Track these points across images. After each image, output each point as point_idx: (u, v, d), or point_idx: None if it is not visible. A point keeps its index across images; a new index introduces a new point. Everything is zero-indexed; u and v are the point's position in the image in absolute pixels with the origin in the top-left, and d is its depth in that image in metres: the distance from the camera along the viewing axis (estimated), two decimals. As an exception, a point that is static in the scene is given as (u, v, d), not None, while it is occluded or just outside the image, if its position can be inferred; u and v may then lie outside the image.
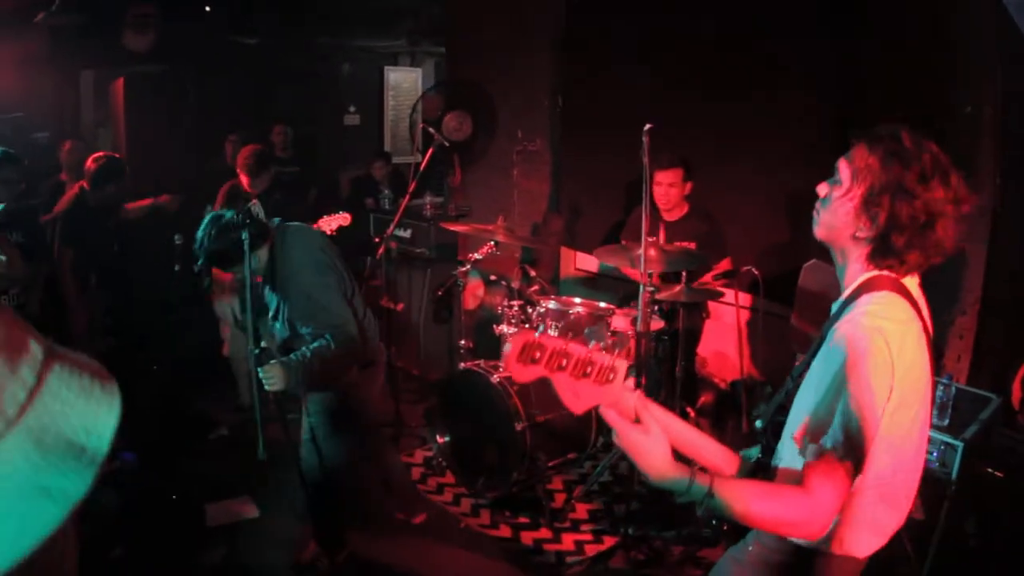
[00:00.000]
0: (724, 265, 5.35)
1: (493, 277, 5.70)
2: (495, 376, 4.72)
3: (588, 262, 7.13)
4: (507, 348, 1.74)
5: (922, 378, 1.95)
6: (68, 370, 0.85)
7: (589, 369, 1.80)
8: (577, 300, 5.12)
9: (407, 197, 5.73)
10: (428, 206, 6.89)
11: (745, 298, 5.35)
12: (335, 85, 11.24)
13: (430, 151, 5.82)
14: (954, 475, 3.37)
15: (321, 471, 3.99)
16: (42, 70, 8.20)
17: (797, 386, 2.06)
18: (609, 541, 4.52)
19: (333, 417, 4.03)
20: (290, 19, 9.38)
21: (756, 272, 4.76)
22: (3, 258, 4.71)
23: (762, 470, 2.09)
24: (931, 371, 2.00)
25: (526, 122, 7.35)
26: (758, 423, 2.21)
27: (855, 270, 2.03)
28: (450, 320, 6.31)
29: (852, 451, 1.81)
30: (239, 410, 5.89)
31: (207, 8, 8.67)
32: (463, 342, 5.71)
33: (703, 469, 1.92)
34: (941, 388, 3.49)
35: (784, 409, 2.09)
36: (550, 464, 4.78)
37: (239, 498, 4.92)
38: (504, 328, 5.12)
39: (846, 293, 2.03)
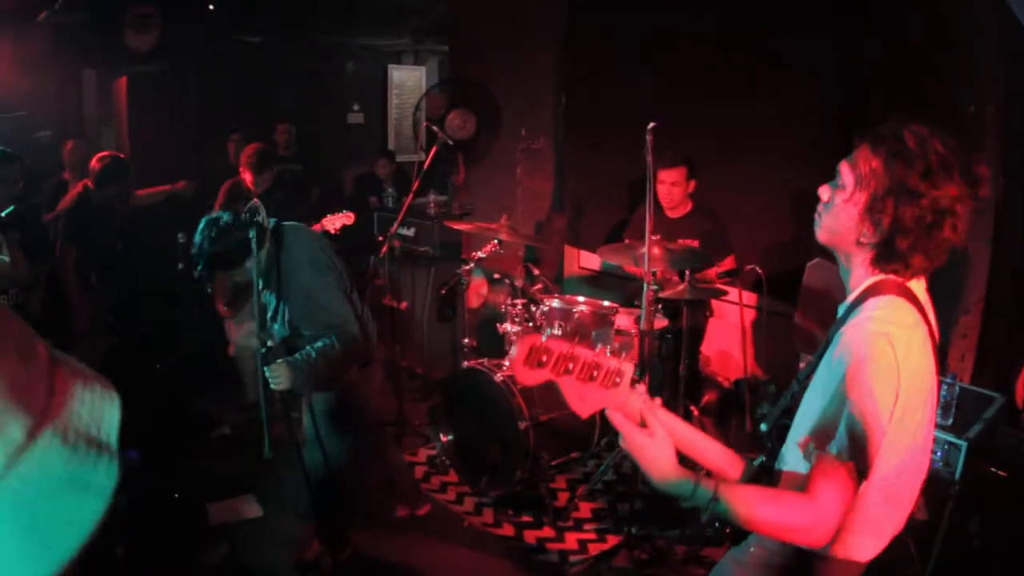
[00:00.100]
0: (728, 263, 5.35)
1: (497, 275, 5.70)
2: (499, 375, 4.72)
3: (592, 260, 7.12)
4: (514, 352, 1.74)
5: (927, 383, 1.95)
6: (70, 368, 0.86)
7: (595, 373, 1.80)
8: (581, 299, 5.12)
9: (411, 195, 5.73)
10: (432, 204, 6.89)
11: (749, 296, 5.34)
12: (339, 83, 11.24)
13: (434, 149, 5.81)
14: (958, 474, 3.37)
15: (325, 469, 3.99)
16: (45, 69, 8.21)
17: (803, 390, 2.05)
18: (612, 540, 4.52)
19: (335, 416, 4.03)
20: (293, 17, 9.38)
21: (760, 270, 4.75)
22: (6, 259, 4.71)
23: (766, 474, 2.09)
24: (936, 374, 2.00)
25: (530, 120, 7.35)
26: (763, 426, 2.20)
27: (860, 274, 2.02)
28: (454, 318, 6.31)
29: (857, 457, 1.80)
30: (243, 409, 5.89)
31: (210, 7, 8.67)
32: (467, 340, 5.71)
33: (708, 474, 1.92)
34: (945, 387, 3.49)
35: (789, 412, 2.09)
36: (553, 463, 4.77)
37: (241, 497, 4.92)
38: (508, 327, 5.12)
39: (851, 297, 2.02)
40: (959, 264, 4.51)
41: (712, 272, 5.23)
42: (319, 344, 3.62)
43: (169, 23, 8.38)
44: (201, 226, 3.70)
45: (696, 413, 5.32)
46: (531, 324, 5.05)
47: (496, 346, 5.36)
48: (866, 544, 2.00)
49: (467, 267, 5.52)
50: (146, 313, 6.11)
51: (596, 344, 1.80)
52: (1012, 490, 3.52)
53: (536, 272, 5.52)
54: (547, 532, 4.64)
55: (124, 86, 8.34)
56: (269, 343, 3.70)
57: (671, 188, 5.28)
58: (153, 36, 8.32)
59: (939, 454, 3.39)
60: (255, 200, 5.22)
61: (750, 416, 5.24)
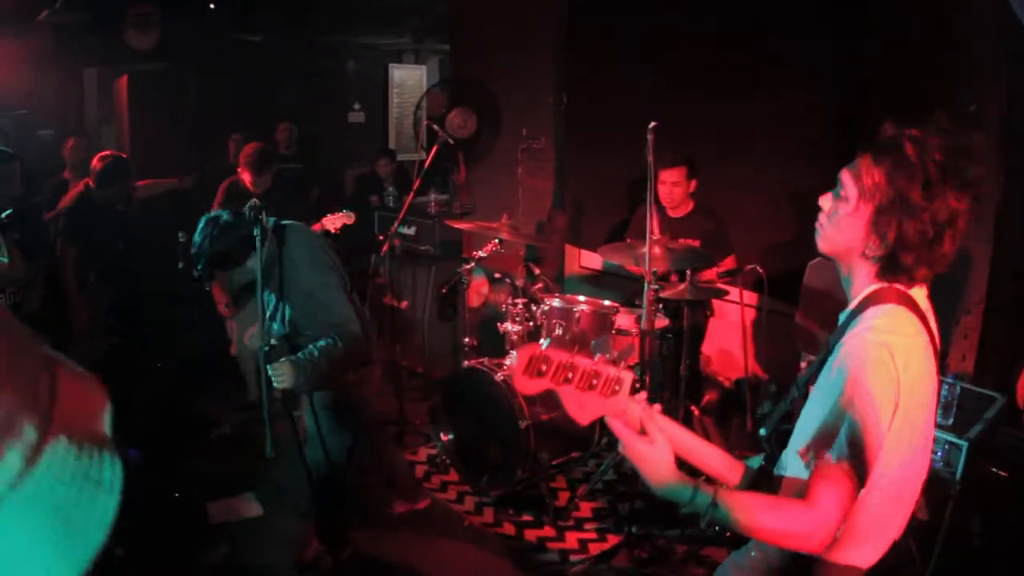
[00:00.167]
0: (728, 263, 5.35)
1: (497, 275, 5.69)
2: (499, 374, 4.72)
3: (592, 260, 7.13)
4: (513, 361, 1.74)
5: (928, 392, 1.95)
6: (67, 368, 0.87)
7: (595, 381, 1.80)
8: (581, 298, 5.12)
9: (411, 194, 5.73)
10: (432, 203, 6.89)
11: (750, 296, 5.34)
12: (339, 83, 11.25)
13: (434, 148, 5.81)
14: (958, 475, 3.37)
15: (327, 468, 3.99)
16: (46, 68, 8.22)
17: (803, 396, 2.05)
18: (613, 539, 4.52)
19: (336, 414, 4.04)
20: (294, 17, 9.39)
21: (760, 270, 4.75)
22: (4, 260, 4.71)
23: (766, 479, 2.09)
24: (937, 381, 2.00)
25: (530, 120, 7.34)
26: (762, 431, 2.20)
27: (862, 282, 2.02)
28: (454, 318, 6.31)
29: (857, 465, 1.81)
30: (243, 408, 5.89)
31: (210, 6, 8.68)
32: (467, 340, 5.71)
33: (708, 480, 1.93)
34: (946, 387, 3.49)
35: (789, 417, 2.09)
36: (554, 462, 4.78)
37: (241, 496, 4.92)
38: (508, 326, 5.12)
39: (853, 304, 2.02)
40: (960, 264, 4.51)
41: (713, 272, 5.23)
42: (321, 343, 3.62)
43: (170, 22, 8.39)
44: (201, 225, 3.68)
45: (697, 413, 5.32)
46: (532, 323, 5.05)
47: (497, 345, 5.36)
48: (865, 550, 2.00)
49: (468, 266, 5.52)
50: (146, 313, 6.10)
51: (595, 352, 1.81)
52: (1013, 490, 3.52)
53: (537, 271, 5.51)
54: (547, 531, 4.64)
55: (125, 85, 8.34)
56: (272, 342, 3.70)
57: (672, 188, 5.28)
58: (154, 35, 8.33)
59: (940, 454, 3.40)
60: (254, 200, 5.23)
61: (751, 415, 5.24)
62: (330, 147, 10.41)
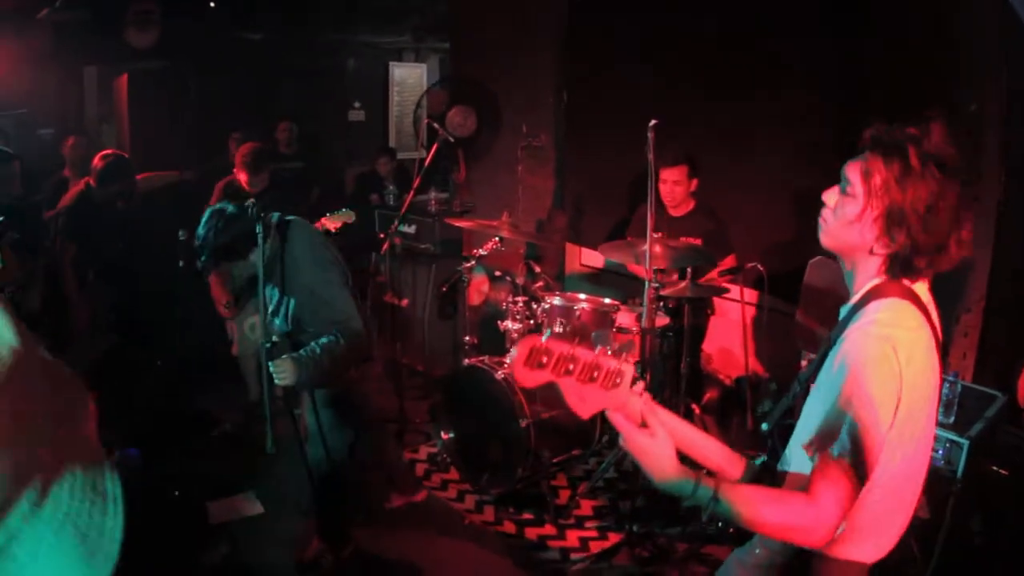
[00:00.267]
0: (729, 262, 5.35)
1: (498, 273, 5.69)
2: (499, 372, 4.72)
3: (593, 258, 7.12)
4: (514, 353, 1.74)
5: (930, 385, 1.95)
6: (65, 378, 0.90)
7: (596, 374, 1.80)
8: (582, 296, 5.12)
9: (412, 193, 5.73)
10: (433, 202, 6.89)
11: (750, 294, 5.34)
12: (340, 81, 11.24)
13: (435, 147, 5.81)
14: (959, 473, 3.37)
15: (328, 465, 3.99)
16: (46, 66, 8.21)
17: (805, 391, 2.05)
18: (614, 538, 4.52)
19: (337, 411, 4.04)
20: (294, 15, 9.38)
21: (761, 268, 4.75)
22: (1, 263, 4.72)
23: (768, 474, 2.09)
24: (939, 375, 1.99)
25: (530, 118, 7.34)
26: (764, 426, 2.20)
27: (865, 277, 2.01)
28: (455, 316, 6.31)
29: (859, 459, 1.80)
30: (244, 407, 5.89)
31: (211, 4, 8.67)
32: (467, 338, 5.71)
33: (709, 473, 1.92)
34: (947, 386, 3.48)
35: (791, 413, 2.09)
36: (554, 460, 4.78)
37: (242, 495, 4.92)
38: (509, 324, 5.12)
39: (855, 298, 2.02)
40: (960, 263, 4.51)
41: (714, 270, 5.24)
42: (323, 340, 3.62)
43: (170, 20, 8.38)
44: (206, 217, 3.68)
45: (697, 411, 5.31)
46: (532, 322, 5.05)
47: (497, 344, 5.36)
48: (869, 545, 2.00)
49: (468, 264, 5.52)
50: (146, 312, 6.10)
51: (596, 345, 1.80)
52: (1013, 489, 3.52)
53: (537, 270, 5.51)
54: (548, 530, 4.64)
55: (125, 84, 8.34)
56: (274, 338, 3.70)
57: (673, 187, 5.28)
58: (154, 34, 8.32)
59: (940, 452, 3.40)
60: (252, 200, 5.23)
61: (751, 414, 5.24)
62: (330, 146, 10.40)
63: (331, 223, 5.25)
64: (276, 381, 3.53)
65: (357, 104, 11.42)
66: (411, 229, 6.78)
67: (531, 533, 4.62)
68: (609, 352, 1.82)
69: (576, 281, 7.17)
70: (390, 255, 5.93)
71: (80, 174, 6.10)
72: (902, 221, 1.88)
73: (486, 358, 4.95)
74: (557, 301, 4.96)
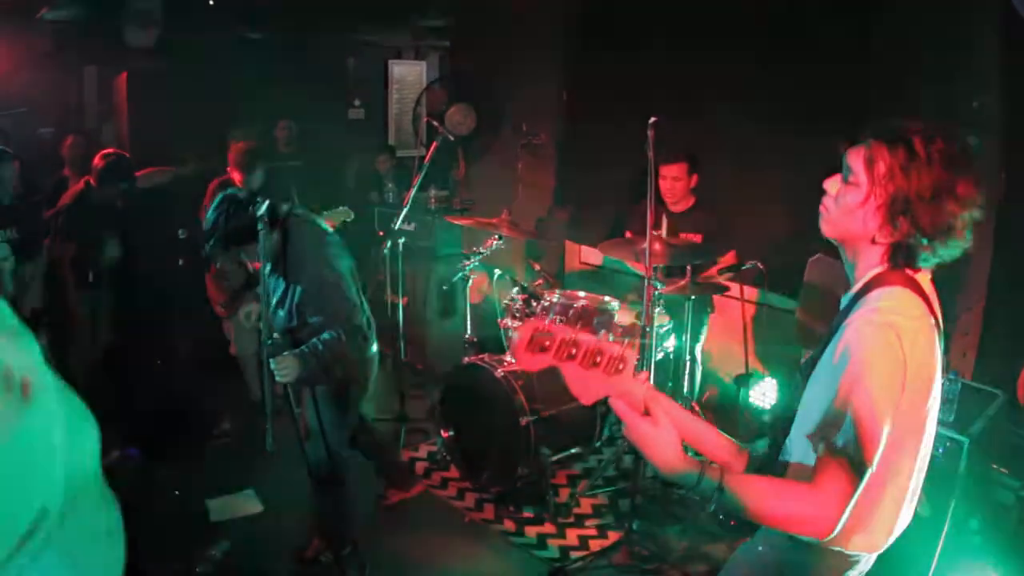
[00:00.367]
0: (729, 258, 5.34)
1: (498, 271, 5.70)
2: (500, 370, 4.72)
3: (593, 256, 7.12)
4: (516, 336, 1.73)
5: (933, 374, 1.93)
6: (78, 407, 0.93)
7: (599, 359, 1.78)
8: (582, 294, 5.12)
9: (411, 191, 5.72)
10: (432, 200, 6.89)
11: (750, 292, 5.34)
12: (339, 79, 11.22)
13: (434, 145, 5.80)
14: (960, 471, 3.37)
15: (328, 463, 3.99)
16: (45, 65, 8.20)
17: (806, 381, 2.03)
18: (613, 536, 4.52)
19: (338, 410, 4.03)
20: (293, 14, 9.36)
21: (761, 266, 4.75)
22: None
23: (770, 465, 2.07)
24: (941, 365, 1.98)
25: (530, 116, 7.34)
26: (766, 417, 2.19)
27: (867, 266, 1.99)
28: (454, 314, 6.31)
29: (863, 449, 1.78)
30: (243, 407, 5.89)
31: (210, 2, 8.66)
32: (467, 336, 5.71)
33: (713, 464, 1.90)
34: (947, 384, 3.48)
35: (793, 404, 2.07)
36: (554, 459, 4.78)
37: (242, 494, 4.92)
38: (509, 322, 5.12)
39: (857, 287, 1.99)
40: (961, 261, 4.49)
41: (714, 268, 5.23)
42: (325, 336, 3.62)
43: (169, 19, 8.37)
44: (216, 201, 3.68)
45: (697, 409, 5.31)
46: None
47: (497, 341, 5.36)
48: (873, 538, 1.98)
49: (468, 262, 5.52)
50: (146, 312, 6.10)
51: (599, 331, 1.78)
52: (1013, 487, 3.52)
53: (537, 267, 5.52)
54: (548, 528, 4.64)
55: (124, 83, 8.33)
56: (275, 335, 3.69)
57: (673, 183, 5.26)
58: (153, 33, 8.31)
59: (941, 450, 3.39)
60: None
61: (751, 412, 5.25)
62: (329, 144, 10.39)
63: (329, 221, 5.24)
64: (277, 378, 3.53)
65: (356, 102, 11.40)
66: (411, 227, 6.77)
67: (531, 531, 4.62)
68: (612, 338, 1.80)
69: (576, 279, 7.17)
70: (390, 253, 5.92)
71: (79, 173, 6.09)
72: (906, 209, 1.86)
73: (486, 356, 4.95)
74: (557, 299, 4.96)
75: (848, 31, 5.07)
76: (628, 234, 5.35)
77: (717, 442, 2.13)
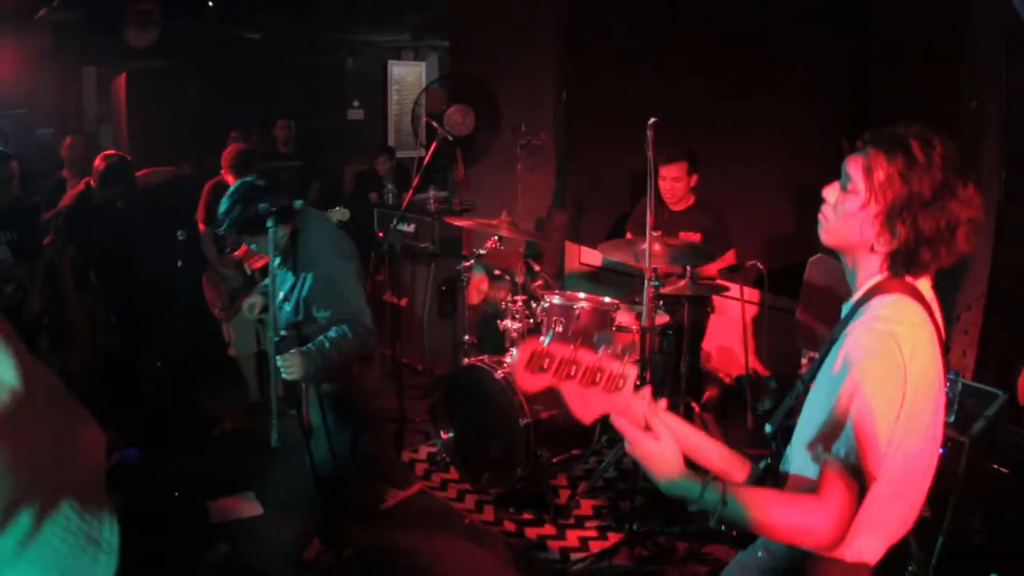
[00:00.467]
0: (729, 258, 5.35)
1: (497, 272, 5.69)
2: (499, 371, 4.72)
3: (592, 256, 7.12)
4: (515, 357, 1.73)
5: (934, 382, 1.93)
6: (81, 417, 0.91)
7: (598, 377, 1.78)
8: (581, 295, 5.10)
9: (411, 192, 5.72)
10: (432, 200, 6.89)
11: (750, 292, 5.34)
12: (339, 80, 11.24)
13: (434, 145, 5.80)
14: (960, 471, 3.36)
15: (332, 463, 3.98)
16: (44, 66, 8.20)
17: (807, 390, 2.02)
18: (614, 537, 4.51)
19: (340, 409, 4.03)
20: (293, 14, 9.37)
21: (761, 266, 4.75)
22: None
23: (771, 475, 2.07)
24: (943, 371, 1.98)
25: (530, 116, 7.34)
26: (767, 427, 2.18)
27: (867, 273, 1.99)
28: (454, 315, 6.31)
29: (865, 458, 1.77)
30: (246, 407, 5.89)
31: (209, 3, 8.66)
32: (467, 337, 5.71)
33: (716, 477, 1.90)
34: (947, 384, 3.48)
35: (794, 413, 2.07)
36: (554, 460, 4.77)
37: (241, 495, 4.92)
38: (508, 323, 5.12)
39: (857, 295, 1.99)
40: (961, 261, 4.50)
41: (714, 268, 5.23)
42: (332, 334, 3.62)
43: (169, 19, 8.37)
44: (232, 189, 3.69)
45: (697, 409, 5.31)
46: (532, 321, 5.05)
47: (497, 343, 5.36)
48: (874, 545, 1.97)
49: (467, 263, 5.52)
50: (146, 312, 6.10)
51: (598, 347, 1.78)
52: (1014, 487, 3.52)
53: (537, 268, 5.51)
54: (548, 529, 4.63)
55: (123, 83, 8.33)
56: (282, 332, 3.68)
57: (673, 184, 5.26)
58: (153, 33, 8.31)
59: (941, 451, 3.39)
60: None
61: (751, 412, 5.24)
62: (329, 144, 10.40)
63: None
64: (283, 375, 3.52)
65: (356, 102, 11.42)
66: (410, 228, 6.78)
67: (531, 533, 4.61)
68: (611, 354, 1.80)
69: (575, 279, 7.17)
70: (389, 254, 5.92)
71: (79, 174, 6.09)
72: (906, 215, 1.86)
73: (486, 357, 4.94)
74: (556, 300, 4.95)
75: (848, 32, 5.07)
76: (628, 234, 5.35)
77: (719, 454, 2.12)
